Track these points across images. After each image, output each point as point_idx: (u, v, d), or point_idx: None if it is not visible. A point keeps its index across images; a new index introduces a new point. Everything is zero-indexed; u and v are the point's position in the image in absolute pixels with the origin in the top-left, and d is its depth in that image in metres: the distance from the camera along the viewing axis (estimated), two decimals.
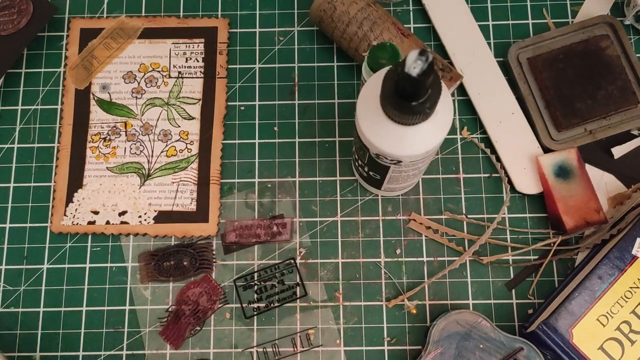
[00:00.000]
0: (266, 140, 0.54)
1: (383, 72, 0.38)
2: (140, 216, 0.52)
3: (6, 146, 0.55)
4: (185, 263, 0.51)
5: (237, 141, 0.54)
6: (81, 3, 0.58)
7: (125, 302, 0.51)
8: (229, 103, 0.55)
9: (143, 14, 0.57)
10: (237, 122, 0.55)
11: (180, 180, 0.53)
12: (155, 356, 0.50)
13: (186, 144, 0.54)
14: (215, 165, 0.53)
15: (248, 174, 0.53)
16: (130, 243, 0.52)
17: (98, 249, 0.52)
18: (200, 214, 0.52)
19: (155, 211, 0.52)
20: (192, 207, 0.52)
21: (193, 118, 0.54)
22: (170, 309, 0.50)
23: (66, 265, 0.52)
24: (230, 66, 0.56)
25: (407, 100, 0.34)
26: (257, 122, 0.55)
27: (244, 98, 0.55)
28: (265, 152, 0.54)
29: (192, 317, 0.50)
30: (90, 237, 0.52)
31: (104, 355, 0.50)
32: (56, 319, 0.51)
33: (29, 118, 0.55)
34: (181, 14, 0.57)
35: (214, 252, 0.51)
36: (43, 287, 0.51)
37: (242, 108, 0.55)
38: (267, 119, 0.55)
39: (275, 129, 0.54)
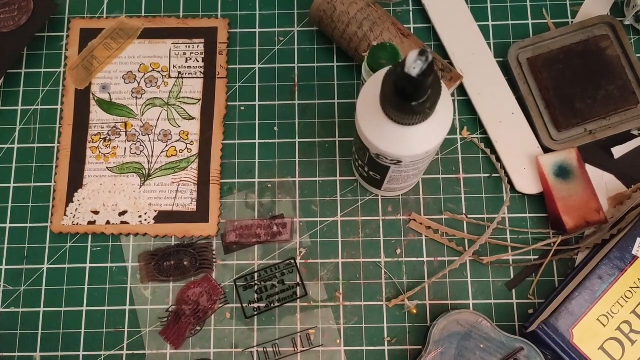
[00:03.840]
0: (266, 141, 0.54)
1: (383, 72, 0.39)
2: (140, 216, 0.52)
3: (6, 146, 0.55)
4: (185, 263, 0.51)
5: (237, 141, 0.54)
6: (81, 3, 0.58)
7: (125, 302, 0.51)
8: (229, 103, 0.55)
9: (143, 14, 0.57)
10: (237, 122, 0.55)
11: (181, 181, 0.53)
12: (155, 356, 0.50)
13: (186, 144, 0.54)
14: (216, 166, 0.53)
15: (248, 174, 0.53)
16: (130, 243, 0.52)
17: (98, 249, 0.52)
18: (200, 214, 0.52)
19: (156, 211, 0.52)
20: (193, 207, 0.52)
21: (193, 118, 0.54)
22: (170, 309, 0.50)
23: (66, 266, 0.52)
24: (230, 66, 0.56)
25: (407, 100, 0.34)
26: (257, 122, 0.55)
27: (244, 98, 0.55)
28: (266, 152, 0.54)
29: (192, 317, 0.50)
30: (90, 237, 0.52)
31: (104, 355, 0.50)
32: (56, 319, 0.51)
33: (29, 118, 0.55)
34: (181, 14, 0.57)
35: (214, 252, 0.51)
36: (43, 287, 0.51)
37: (242, 108, 0.55)
38: (267, 119, 0.55)
39: (276, 129, 0.55)
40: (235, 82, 0.56)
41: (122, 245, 0.52)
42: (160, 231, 0.52)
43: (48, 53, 0.57)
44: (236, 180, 0.53)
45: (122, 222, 0.52)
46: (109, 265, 0.52)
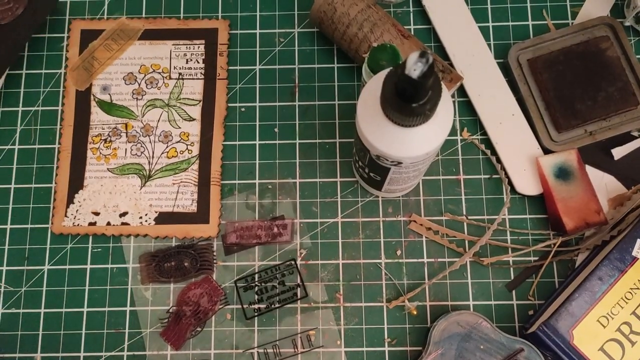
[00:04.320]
0: (267, 142, 0.54)
1: (383, 73, 0.39)
2: (141, 217, 0.52)
3: (7, 147, 0.55)
4: (186, 264, 0.51)
5: (237, 142, 0.54)
6: (82, 4, 0.58)
7: (126, 303, 0.51)
8: (230, 104, 0.55)
9: (143, 15, 0.57)
10: (237, 123, 0.55)
11: (181, 182, 0.53)
12: (156, 357, 0.50)
13: (187, 145, 0.54)
14: (216, 167, 0.53)
15: (249, 175, 0.53)
16: (131, 244, 0.52)
17: (99, 250, 0.52)
18: (200, 215, 0.52)
19: (156, 212, 0.52)
20: (193, 208, 0.52)
21: (193, 119, 0.54)
22: (171, 310, 0.50)
23: (67, 267, 0.52)
24: (230, 67, 0.56)
25: (408, 102, 0.34)
26: (257, 123, 0.55)
27: (245, 99, 0.55)
28: (266, 154, 0.54)
29: (192, 318, 0.50)
30: (91, 238, 0.52)
31: (104, 356, 0.50)
32: (57, 320, 0.51)
33: (30, 119, 0.55)
34: (181, 15, 0.57)
35: (214, 253, 0.51)
36: (44, 288, 0.51)
37: (243, 109, 0.55)
38: (268, 120, 0.55)
39: (276, 130, 0.55)
40: (235, 83, 0.56)
41: (122, 246, 0.52)
42: (161, 232, 0.52)
43: (49, 54, 0.57)
44: (236, 181, 0.53)
45: (123, 223, 0.52)
46: (109, 266, 0.52)
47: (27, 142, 0.55)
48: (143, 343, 0.50)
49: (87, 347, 0.50)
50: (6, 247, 0.52)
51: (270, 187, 0.53)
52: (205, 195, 0.53)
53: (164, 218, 0.52)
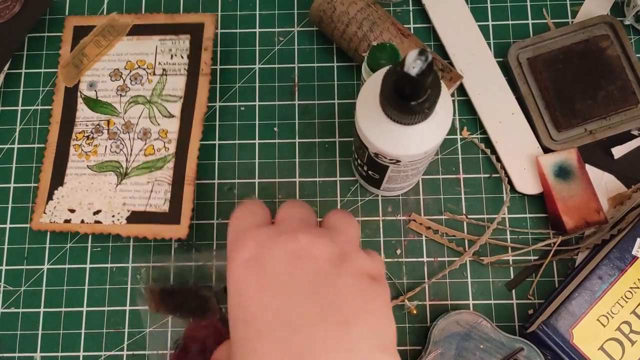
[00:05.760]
0: (266, 141, 0.54)
1: (383, 71, 0.38)
2: (113, 216, 0.50)
3: (6, 146, 0.55)
4: (193, 305, 0.48)
5: (237, 142, 0.54)
6: (81, 3, 0.58)
7: (125, 302, 0.51)
8: (228, 103, 0.55)
9: (143, 13, 0.57)
10: (237, 122, 0.55)
11: (156, 180, 0.51)
12: (156, 356, 0.50)
13: (164, 142, 0.52)
14: (191, 166, 0.51)
15: (248, 174, 0.53)
16: (130, 244, 0.52)
17: (98, 249, 0.52)
18: (172, 215, 0.50)
19: (129, 211, 0.50)
20: (165, 207, 0.50)
21: (173, 116, 0.52)
22: (178, 342, 0.48)
23: (66, 266, 0.52)
24: (230, 66, 0.56)
25: (407, 100, 0.33)
26: (257, 122, 0.55)
27: (244, 98, 0.55)
28: (266, 153, 0.54)
29: (199, 355, 0.47)
30: (90, 237, 0.52)
31: (104, 355, 0.50)
32: (56, 320, 0.51)
33: (29, 119, 0.55)
34: (181, 13, 0.57)
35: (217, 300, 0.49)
36: (43, 288, 0.51)
37: (242, 108, 0.55)
38: (267, 119, 0.55)
39: (275, 129, 0.54)
40: (235, 82, 0.56)
41: (122, 245, 0.52)
42: (132, 231, 0.50)
43: (48, 53, 0.57)
44: (236, 181, 0.53)
45: (96, 222, 0.50)
46: (109, 265, 0.52)
47: (26, 141, 0.55)
48: (143, 343, 0.50)
49: (86, 347, 0.50)
50: (5, 246, 0.52)
51: (270, 186, 0.53)
52: (178, 195, 0.50)
53: (135, 217, 0.50)
